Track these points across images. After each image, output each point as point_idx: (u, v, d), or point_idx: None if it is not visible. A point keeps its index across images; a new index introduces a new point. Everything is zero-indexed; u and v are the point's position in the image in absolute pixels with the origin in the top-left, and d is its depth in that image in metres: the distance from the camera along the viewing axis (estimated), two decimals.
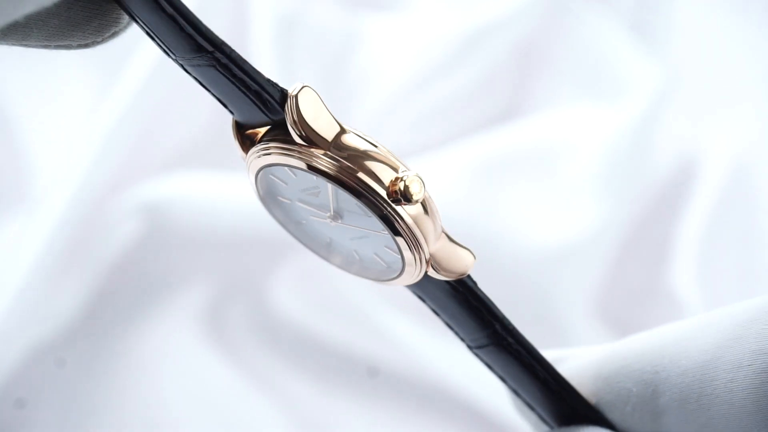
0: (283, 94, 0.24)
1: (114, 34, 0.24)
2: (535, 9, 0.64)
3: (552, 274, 0.58)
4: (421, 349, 0.58)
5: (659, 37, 0.66)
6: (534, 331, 0.59)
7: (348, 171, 0.24)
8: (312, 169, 0.24)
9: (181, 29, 0.23)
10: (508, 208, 0.59)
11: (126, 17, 0.24)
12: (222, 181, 0.59)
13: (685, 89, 0.65)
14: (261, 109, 0.24)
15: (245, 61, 0.24)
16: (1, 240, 0.59)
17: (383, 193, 0.24)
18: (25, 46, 0.24)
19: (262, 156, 0.25)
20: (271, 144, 0.25)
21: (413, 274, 0.26)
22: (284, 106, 0.24)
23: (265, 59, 0.61)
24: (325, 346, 0.59)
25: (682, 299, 0.59)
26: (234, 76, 0.23)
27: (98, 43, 0.24)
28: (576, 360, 0.29)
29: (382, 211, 0.24)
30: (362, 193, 0.24)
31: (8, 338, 0.54)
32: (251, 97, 0.24)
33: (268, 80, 0.24)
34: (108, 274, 0.58)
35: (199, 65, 0.24)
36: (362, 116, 0.63)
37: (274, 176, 0.26)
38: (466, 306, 0.27)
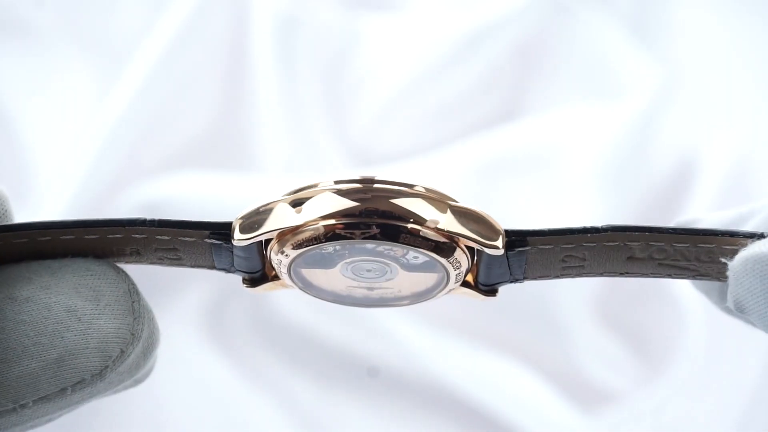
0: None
1: (124, 353, 0.25)
2: (535, 9, 0.64)
3: None
4: (421, 349, 0.58)
5: (659, 37, 0.66)
6: (534, 331, 0.60)
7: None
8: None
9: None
10: (507, 208, 0.59)
11: (129, 332, 0.25)
12: (222, 181, 0.59)
13: (685, 89, 0.65)
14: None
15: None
16: None
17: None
18: (47, 402, 0.24)
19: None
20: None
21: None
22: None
23: (265, 59, 0.61)
24: (325, 346, 0.59)
25: (682, 299, 0.59)
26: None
27: (114, 367, 0.25)
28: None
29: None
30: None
31: None
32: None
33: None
34: None
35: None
36: (362, 116, 0.63)
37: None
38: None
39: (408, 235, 0.24)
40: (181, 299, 0.59)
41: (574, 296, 0.59)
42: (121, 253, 0.25)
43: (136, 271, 0.63)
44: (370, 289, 0.26)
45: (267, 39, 0.62)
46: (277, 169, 0.61)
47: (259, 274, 0.26)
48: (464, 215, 0.24)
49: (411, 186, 0.24)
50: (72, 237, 0.25)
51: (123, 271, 0.26)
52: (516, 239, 0.25)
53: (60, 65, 0.63)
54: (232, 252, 0.25)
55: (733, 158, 0.63)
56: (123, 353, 0.24)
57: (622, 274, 0.27)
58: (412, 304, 0.27)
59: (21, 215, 0.62)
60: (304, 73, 0.62)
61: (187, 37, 0.60)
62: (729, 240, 0.26)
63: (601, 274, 0.27)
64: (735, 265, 0.25)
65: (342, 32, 0.63)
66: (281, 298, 0.59)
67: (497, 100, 0.65)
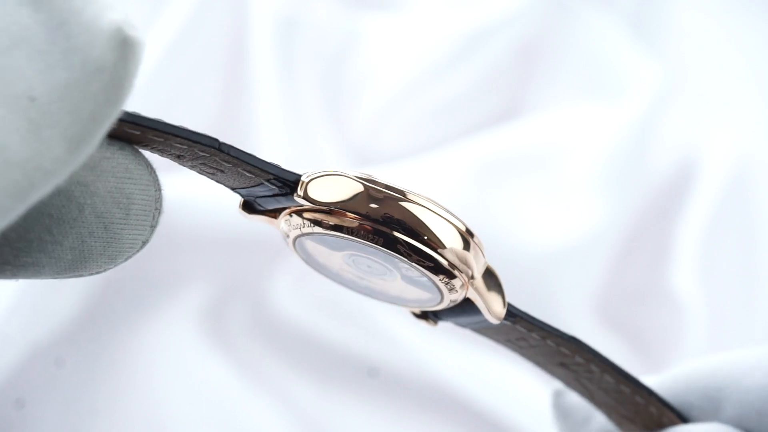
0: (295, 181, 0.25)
1: (127, 259, 0.24)
2: (535, 9, 0.64)
3: (552, 274, 0.58)
4: (421, 349, 0.58)
5: (660, 37, 0.66)
6: None
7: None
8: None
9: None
10: (507, 209, 0.59)
11: (140, 242, 0.24)
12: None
13: (685, 89, 0.65)
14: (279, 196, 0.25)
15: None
16: None
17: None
18: (38, 278, 0.23)
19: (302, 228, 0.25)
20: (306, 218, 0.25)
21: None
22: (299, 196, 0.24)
23: (265, 59, 0.61)
24: (325, 346, 0.59)
25: (682, 299, 0.59)
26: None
27: (110, 267, 0.24)
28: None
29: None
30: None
31: (8, 338, 0.54)
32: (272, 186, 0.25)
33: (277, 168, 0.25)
34: (108, 274, 0.58)
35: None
36: (362, 116, 0.63)
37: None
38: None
39: (433, 270, 0.24)
40: (181, 299, 0.59)
41: (574, 296, 0.59)
42: (165, 151, 0.24)
43: (136, 271, 0.62)
44: (360, 278, 0.27)
45: (267, 39, 0.61)
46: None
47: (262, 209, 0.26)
48: (491, 278, 0.26)
49: (469, 234, 0.24)
50: (137, 132, 0.23)
51: (155, 172, 0.24)
52: (508, 315, 0.26)
53: None
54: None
55: (733, 158, 0.63)
56: (127, 259, 0.24)
57: (544, 369, 0.30)
58: (392, 303, 0.28)
59: None
60: (304, 73, 0.62)
61: (186, 37, 0.60)
62: (660, 409, 0.29)
63: (529, 359, 0.30)
64: None
65: (342, 32, 0.63)
66: (281, 298, 0.59)
67: (497, 100, 0.65)
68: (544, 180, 0.60)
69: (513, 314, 0.27)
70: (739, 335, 0.59)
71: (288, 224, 0.25)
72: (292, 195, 0.24)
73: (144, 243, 0.24)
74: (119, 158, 0.23)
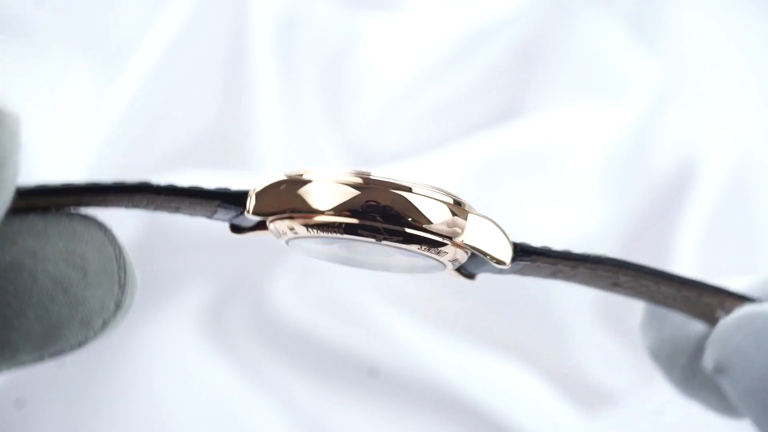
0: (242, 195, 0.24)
1: (105, 324, 0.24)
2: (535, 9, 0.64)
3: None
4: (421, 349, 0.58)
5: (660, 36, 0.66)
6: (533, 331, 0.60)
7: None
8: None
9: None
10: (507, 208, 0.59)
11: (112, 303, 0.24)
12: (222, 181, 0.59)
13: (685, 89, 0.65)
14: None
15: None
16: None
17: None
18: (22, 365, 0.23)
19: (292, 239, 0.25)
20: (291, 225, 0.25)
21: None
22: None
23: (265, 59, 0.61)
24: (325, 346, 0.59)
25: None
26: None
27: (95, 337, 0.24)
28: None
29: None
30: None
31: None
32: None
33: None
34: None
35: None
36: (362, 116, 0.63)
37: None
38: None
39: (426, 245, 0.24)
40: (181, 299, 0.59)
41: (574, 296, 0.59)
42: (114, 206, 0.24)
43: (136, 270, 0.62)
44: (370, 259, 0.26)
45: (266, 39, 0.61)
46: (277, 169, 0.61)
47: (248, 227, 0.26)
48: (483, 226, 0.25)
49: (441, 196, 0.24)
50: (70, 199, 0.23)
51: (110, 231, 0.24)
52: (521, 255, 0.25)
53: (59, 65, 0.63)
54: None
55: (733, 158, 0.63)
56: (105, 324, 0.24)
57: (603, 290, 0.28)
58: (410, 273, 0.27)
59: None
60: (304, 73, 0.62)
61: (186, 37, 0.60)
62: (719, 295, 0.27)
63: (584, 284, 0.28)
64: (727, 321, 0.25)
65: (342, 32, 0.63)
66: (282, 298, 0.59)
67: (497, 100, 0.65)
68: (544, 180, 0.60)
69: (528, 253, 0.26)
70: None
71: (275, 232, 0.25)
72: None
73: (118, 305, 0.24)
74: (65, 221, 0.23)
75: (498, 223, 0.25)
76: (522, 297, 0.57)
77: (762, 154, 0.64)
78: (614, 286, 0.28)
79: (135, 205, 0.24)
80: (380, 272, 0.27)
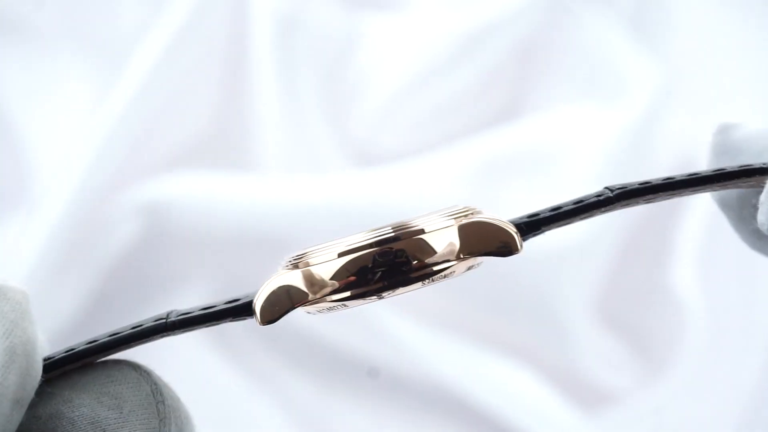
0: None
1: None
2: (534, 9, 0.64)
3: (552, 273, 0.58)
4: (422, 349, 0.58)
5: (659, 36, 0.66)
6: (534, 331, 0.60)
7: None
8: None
9: None
10: (508, 208, 0.59)
11: None
12: (222, 181, 0.59)
13: (685, 88, 0.65)
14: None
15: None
16: (1, 240, 0.59)
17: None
18: None
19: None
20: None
21: None
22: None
23: (265, 59, 0.61)
24: (325, 346, 0.59)
25: (682, 299, 0.59)
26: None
27: None
28: None
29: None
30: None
31: None
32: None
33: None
34: (108, 274, 0.58)
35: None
36: (362, 116, 0.63)
37: None
38: None
39: (427, 279, 0.25)
40: (181, 299, 0.59)
41: (574, 296, 0.59)
42: (137, 346, 0.26)
43: (136, 271, 0.62)
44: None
45: (267, 39, 0.61)
46: (278, 169, 0.61)
47: None
48: (476, 231, 0.25)
49: (423, 227, 0.24)
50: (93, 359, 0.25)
51: (144, 370, 0.26)
52: (530, 230, 0.25)
53: (59, 65, 0.63)
54: None
55: None
56: None
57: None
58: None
59: (21, 215, 0.62)
60: (304, 73, 0.62)
61: (186, 37, 0.60)
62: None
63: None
64: None
65: (342, 32, 0.63)
66: None
67: (497, 100, 0.65)
68: (544, 179, 0.60)
69: (537, 226, 0.26)
70: (739, 335, 0.59)
71: (306, 311, 0.26)
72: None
73: None
74: (99, 368, 0.25)
75: (496, 216, 0.25)
76: (522, 297, 0.57)
77: None
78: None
79: (155, 337, 0.26)
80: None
